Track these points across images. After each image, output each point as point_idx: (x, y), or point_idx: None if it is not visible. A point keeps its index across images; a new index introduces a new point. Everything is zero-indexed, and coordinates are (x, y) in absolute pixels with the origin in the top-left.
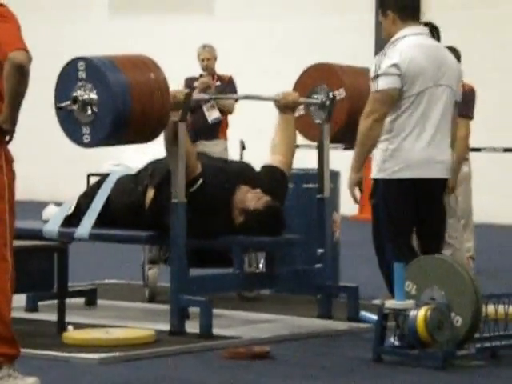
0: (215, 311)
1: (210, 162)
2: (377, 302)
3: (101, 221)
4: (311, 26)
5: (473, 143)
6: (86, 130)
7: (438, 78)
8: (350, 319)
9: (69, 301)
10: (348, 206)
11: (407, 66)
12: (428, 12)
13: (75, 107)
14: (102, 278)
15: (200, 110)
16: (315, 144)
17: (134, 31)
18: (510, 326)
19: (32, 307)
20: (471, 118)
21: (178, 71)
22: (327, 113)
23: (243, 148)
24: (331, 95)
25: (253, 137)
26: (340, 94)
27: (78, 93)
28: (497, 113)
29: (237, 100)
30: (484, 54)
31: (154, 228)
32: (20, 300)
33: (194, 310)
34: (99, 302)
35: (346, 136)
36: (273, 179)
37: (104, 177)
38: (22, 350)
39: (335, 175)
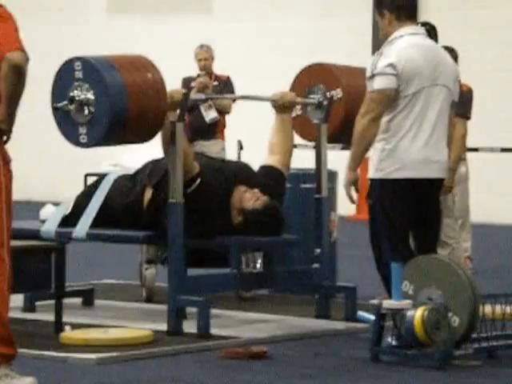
0: (213, 311)
1: (208, 162)
2: (374, 301)
3: (98, 221)
4: (309, 26)
5: (470, 143)
6: (82, 130)
7: (434, 78)
8: (347, 319)
9: (66, 301)
10: (345, 206)
11: (403, 66)
12: (425, 12)
13: (72, 107)
14: (100, 278)
15: (197, 109)
16: (313, 144)
17: (132, 31)
18: (508, 326)
19: (29, 307)
20: (469, 118)
21: (175, 71)
22: (325, 113)
23: (241, 148)
24: (329, 95)
25: (250, 137)
26: (337, 94)
27: (75, 93)
28: (494, 113)
29: (234, 100)
30: (481, 55)
31: (152, 228)
32: (17, 300)
33: (191, 310)
34: (97, 302)
35: (342, 136)
36: (271, 179)
37: (102, 177)
38: (20, 350)
39: (333, 175)
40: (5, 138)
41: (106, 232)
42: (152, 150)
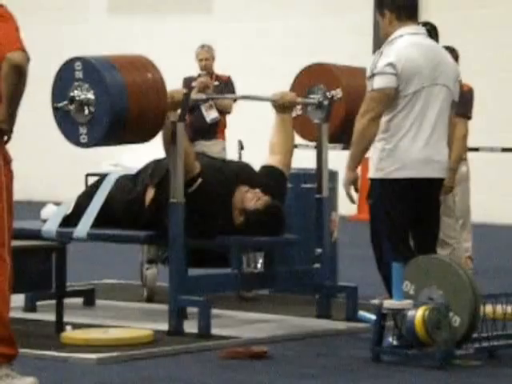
0: (214, 311)
1: (209, 161)
2: (375, 301)
3: (99, 221)
4: (310, 26)
5: (471, 143)
6: (83, 130)
7: (434, 78)
8: (348, 319)
9: (67, 301)
10: (346, 205)
11: (403, 65)
12: (426, 12)
13: (72, 107)
14: (101, 278)
15: (198, 109)
16: (313, 144)
17: (132, 31)
18: (508, 326)
19: (30, 307)
20: (469, 117)
21: (176, 71)
22: (326, 112)
23: (241, 148)
24: (329, 95)
25: (251, 137)
26: (337, 93)
27: (75, 93)
28: (495, 113)
29: (235, 100)
30: (482, 54)
31: (153, 228)
32: (18, 300)
33: (192, 309)
34: (97, 301)
35: (342, 136)
36: (272, 179)
37: (103, 177)
38: (21, 350)
39: (333, 175)
40: (5, 138)
41: (107, 232)
42: (152, 149)
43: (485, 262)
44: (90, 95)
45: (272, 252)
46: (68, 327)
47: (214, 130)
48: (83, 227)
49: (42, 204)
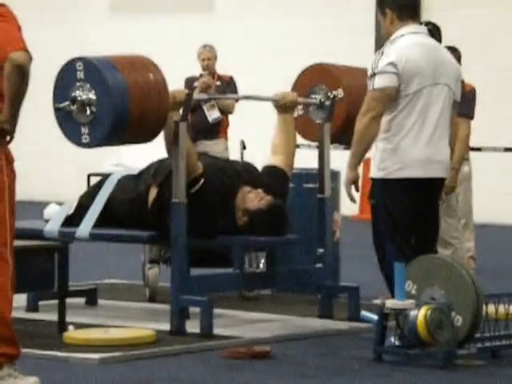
0: (216, 311)
1: (212, 162)
2: (377, 301)
3: (102, 220)
4: (312, 26)
5: (473, 143)
6: (84, 130)
7: (435, 77)
8: (350, 319)
9: (69, 300)
10: (348, 205)
11: (404, 65)
12: (427, 11)
13: (74, 107)
14: (103, 278)
15: (200, 109)
16: (316, 144)
17: (134, 31)
18: (511, 326)
19: (32, 307)
20: (472, 117)
21: (178, 71)
22: (328, 112)
23: (244, 148)
24: (331, 95)
25: (253, 137)
26: (338, 94)
27: (77, 93)
28: (497, 112)
29: (237, 100)
30: (483, 54)
31: (155, 228)
32: (21, 300)
33: (194, 309)
34: (100, 301)
35: (344, 136)
36: (274, 179)
37: (105, 177)
38: (23, 350)
39: (336, 175)
40: (8, 138)
41: (109, 232)
42: (154, 149)
43: (487, 261)
44: (92, 95)
45: (274, 252)
46: (70, 327)
47: (216, 130)
48: (85, 227)
49: (44, 204)
